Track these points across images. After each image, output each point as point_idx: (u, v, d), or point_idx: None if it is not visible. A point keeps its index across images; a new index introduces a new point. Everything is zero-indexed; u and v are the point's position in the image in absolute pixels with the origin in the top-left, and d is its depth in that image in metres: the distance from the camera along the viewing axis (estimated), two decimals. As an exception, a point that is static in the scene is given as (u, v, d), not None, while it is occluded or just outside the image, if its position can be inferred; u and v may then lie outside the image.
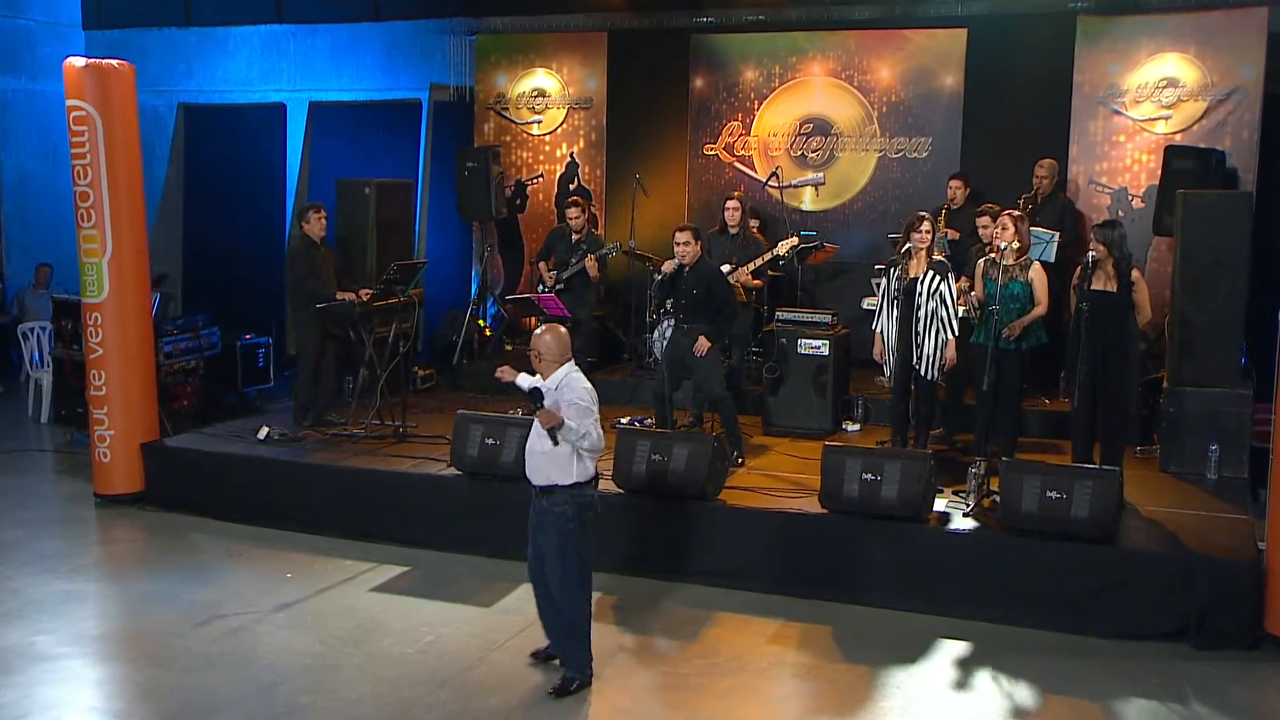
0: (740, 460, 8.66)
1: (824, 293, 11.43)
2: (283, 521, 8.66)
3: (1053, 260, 9.30)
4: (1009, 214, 8.20)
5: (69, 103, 8.65)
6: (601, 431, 5.92)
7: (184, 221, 14.83)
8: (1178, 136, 10.46)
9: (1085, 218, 10.56)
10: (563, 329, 6.16)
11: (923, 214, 8.37)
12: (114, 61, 8.78)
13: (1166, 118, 10.56)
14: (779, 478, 8.38)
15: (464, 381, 11.47)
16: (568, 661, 6.17)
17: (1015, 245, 8.02)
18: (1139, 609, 6.78)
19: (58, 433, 11.09)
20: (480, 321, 12.42)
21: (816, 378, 9.76)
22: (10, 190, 14.18)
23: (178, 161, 14.71)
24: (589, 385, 5.97)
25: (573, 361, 6.08)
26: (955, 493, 7.82)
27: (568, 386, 5.91)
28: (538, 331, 6.08)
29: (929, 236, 8.16)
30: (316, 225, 9.57)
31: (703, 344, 8.53)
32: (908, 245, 8.20)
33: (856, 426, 9.85)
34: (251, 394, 11.82)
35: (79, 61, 8.68)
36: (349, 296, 9.47)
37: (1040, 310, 8.16)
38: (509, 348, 12.33)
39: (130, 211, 8.90)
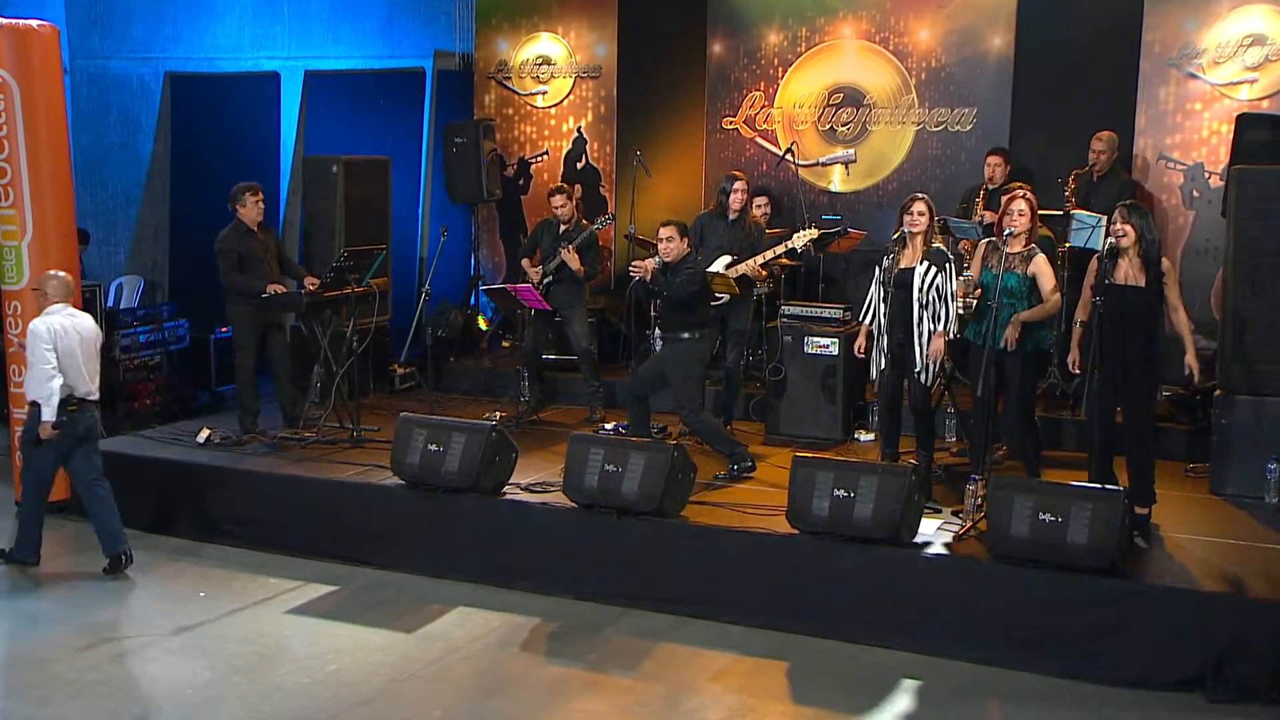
0: (751, 466, 8.70)
1: (855, 286, 11.16)
2: (213, 534, 8.74)
3: (1100, 248, 8.99)
4: (1027, 197, 7.88)
5: (-16, 68, 8.82)
6: (47, 370, 7.63)
7: (170, 202, 15.02)
8: (1265, 103, 10.06)
9: (1152, 199, 10.21)
10: (68, 276, 8.15)
11: (918, 195, 8.11)
12: (34, 22, 8.92)
13: (1251, 81, 10.15)
14: (767, 492, 8.20)
15: (451, 381, 11.45)
16: None
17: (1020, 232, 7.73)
18: (1147, 652, 6.51)
19: (3, 434, 11.20)
20: (477, 314, 12.44)
21: (825, 380, 9.58)
22: (-20, 169, 14.40)
23: (164, 137, 14.90)
24: (53, 327, 7.69)
25: (66, 305, 7.90)
26: (955, 513, 7.63)
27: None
28: (50, 273, 7.97)
29: (922, 220, 7.86)
30: (253, 209, 9.54)
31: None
32: (901, 230, 7.98)
33: (871, 436, 9.60)
34: (227, 393, 11.92)
35: (-7, 22, 8.83)
36: (277, 289, 9.47)
37: (1049, 308, 7.80)
38: (507, 344, 12.33)
39: (55, 190, 9.02)
